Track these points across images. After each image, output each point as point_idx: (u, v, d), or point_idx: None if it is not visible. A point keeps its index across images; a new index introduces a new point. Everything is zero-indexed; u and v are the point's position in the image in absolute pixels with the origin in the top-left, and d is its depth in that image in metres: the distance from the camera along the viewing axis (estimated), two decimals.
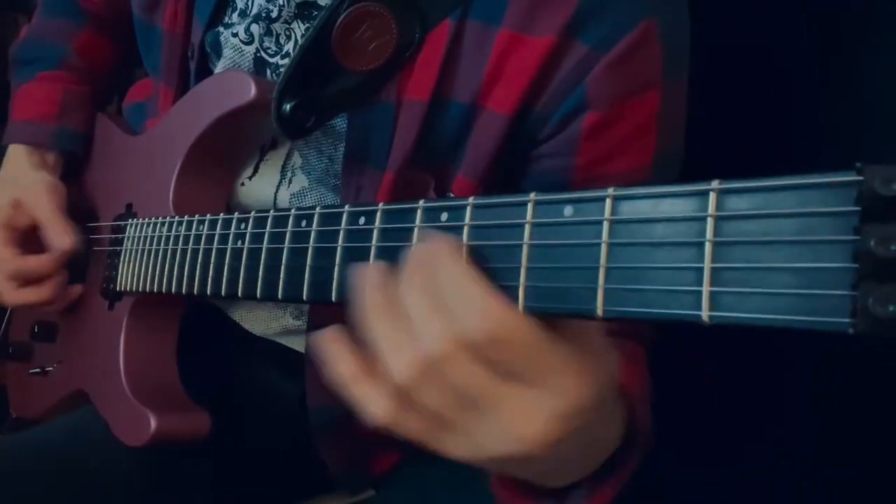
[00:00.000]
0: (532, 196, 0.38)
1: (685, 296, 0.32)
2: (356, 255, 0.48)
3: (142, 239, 0.74)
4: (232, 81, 0.69)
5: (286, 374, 0.84)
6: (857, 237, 0.28)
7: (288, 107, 0.64)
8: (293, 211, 0.54)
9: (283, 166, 0.75)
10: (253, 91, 0.67)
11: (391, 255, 0.45)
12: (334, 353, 0.45)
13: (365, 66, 0.64)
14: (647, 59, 0.61)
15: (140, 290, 0.74)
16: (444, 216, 0.43)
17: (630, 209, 0.35)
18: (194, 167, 0.74)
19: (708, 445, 0.99)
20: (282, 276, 0.54)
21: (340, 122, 0.69)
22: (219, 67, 0.76)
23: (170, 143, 0.75)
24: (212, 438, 0.76)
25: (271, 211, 0.56)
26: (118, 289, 0.78)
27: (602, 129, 0.62)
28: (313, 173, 0.74)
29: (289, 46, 0.71)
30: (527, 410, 0.39)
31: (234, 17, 0.75)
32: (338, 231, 0.49)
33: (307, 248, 0.52)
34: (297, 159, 0.74)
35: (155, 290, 0.71)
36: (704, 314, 0.32)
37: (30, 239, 0.85)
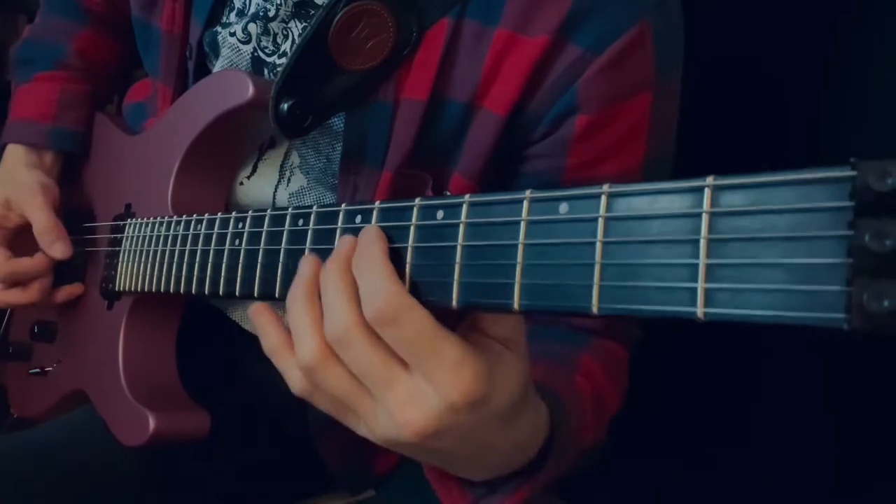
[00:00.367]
0: (528, 193, 0.38)
1: (680, 292, 0.32)
2: None
3: (141, 239, 0.74)
4: (230, 81, 0.69)
5: None
6: (852, 232, 0.28)
7: (286, 106, 0.64)
8: (290, 210, 0.54)
9: (282, 166, 0.75)
10: (251, 90, 0.67)
11: (388, 253, 0.45)
12: (262, 325, 0.47)
13: (362, 65, 0.64)
14: (640, 62, 0.62)
15: (139, 289, 0.74)
16: (441, 214, 0.42)
17: (625, 206, 0.35)
18: (193, 167, 0.74)
19: (708, 446, 0.99)
20: (279, 274, 0.54)
21: (338, 122, 0.69)
22: (217, 67, 0.76)
23: (168, 143, 0.75)
24: (211, 438, 0.76)
25: (269, 210, 0.56)
26: (117, 289, 0.78)
27: (593, 131, 0.62)
28: (311, 172, 0.74)
29: (286, 45, 0.71)
30: (410, 398, 0.41)
31: (232, 16, 0.75)
32: (335, 229, 0.49)
33: (304, 247, 0.52)
34: (295, 158, 0.74)
35: (154, 289, 0.71)
36: (699, 311, 0.32)
37: (20, 239, 0.85)
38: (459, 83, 0.64)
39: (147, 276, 0.72)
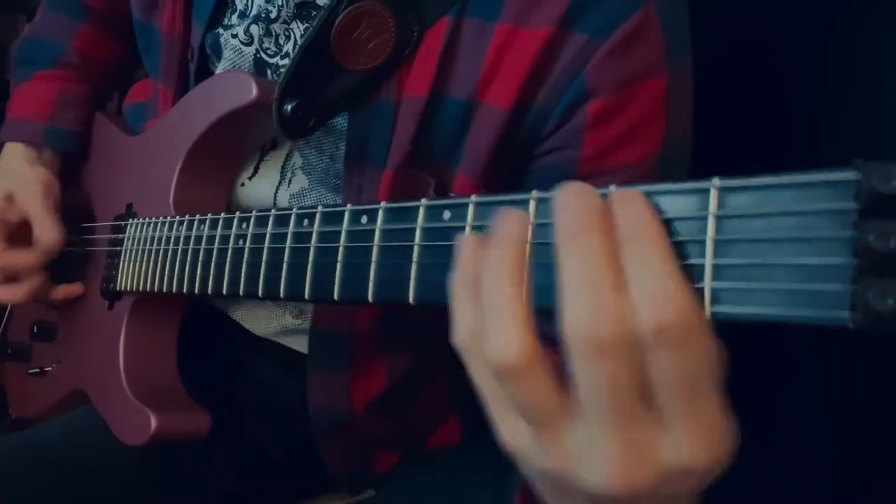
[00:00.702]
0: (534, 194, 0.39)
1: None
2: (358, 254, 0.48)
3: (142, 239, 0.75)
4: (233, 82, 0.69)
5: (286, 375, 0.84)
6: (857, 233, 0.29)
7: (289, 107, 0.64)
8: (295, 210, 0.54)
9: (283, 166, 0.75)
10: (254, 91, 0.67)
11: (394, 254, 0.46)
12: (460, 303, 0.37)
13: (364, 66, 0.64)
14: (648, 45, 0.60)
15: (140, 289, 0.74)
16: (447, 214, 0.43)
17: None
18: (195, 167, 0.74)
19: None
20: (283, 275, 0.54)
21: (341, 122, 0.69)
22: (219, 69, 0.76)
23: (170, 143, 0.75)
24: (212, 438, 0.76)
25: (273, 210, 0.56)
26: (118, 288, 0.78)
27: (606, 117, 0.61)
28: (313, 173, 0.74)
29: (288, 47, 0.71)
30: (638, 449, 0.33)
31: (234, 18, 0.75)
32: (339, 231, 0.49)
33: (309, 247, 0.52)
34: (297, 159, 0.75)
35: (155, 289, 0.71)
36: (706, 310, 0.32)
37: (19, 234, 0.85)
38: (460, 80, 0.64)
39: (149, 276, 0.72)
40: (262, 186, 0.76)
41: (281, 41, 0.72)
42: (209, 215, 0.65)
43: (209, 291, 0.63)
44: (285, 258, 0.54)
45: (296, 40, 0.71)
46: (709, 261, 0.33)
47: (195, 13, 0.77)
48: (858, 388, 0.88)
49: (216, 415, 0.76)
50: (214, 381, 0.85)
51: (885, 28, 0.83)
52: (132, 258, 0.76)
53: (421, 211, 0.44)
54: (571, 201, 0.34)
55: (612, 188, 0.36)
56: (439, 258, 0.43)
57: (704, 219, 0.33)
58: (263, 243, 0.56)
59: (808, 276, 0.30)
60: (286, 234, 0.54)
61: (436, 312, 0.41)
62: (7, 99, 0.92)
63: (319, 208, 0.51)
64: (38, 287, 0.84)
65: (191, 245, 0.66)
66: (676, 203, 0.34)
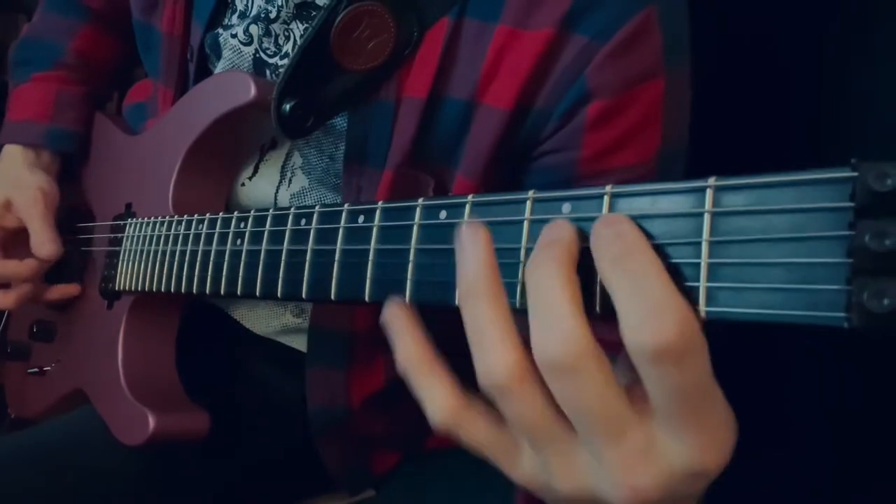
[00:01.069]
0: (531, 194, 0.38)
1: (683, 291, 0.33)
2: (356, 253, 0.48)
3: (141, 238, 0.75)
4: (232, 82, 0.70)
5: (286, 374, 0.84)
6: (852, 232, 0.28)
7: (288, 107, 0.64)
8: (292, 210, 0.54)
9: (283, 166, 0.75)
10: (253, 91, 0.67)
11: (391, 253, 0.46)
12: (399, 331, 0.38)
13: (364, 66, 0.64)
14: (648, 48, 0.60)
15: (139, 289, 0.74)
16: (443, 214, 0.43)
17: (627, 206, 0.35)
18: (194, 167, 0.74)
19: None
20: (281, 274, 0.54)
21: (341, 122, 0.69)
22: (218, 69, 0.76)
23: (169, 143, 0.75)
24: (211, 438, 0.76)
25: (271, 210, 0.56)
26: (117, 288, 0.78)
27: (606, 119, 0.61)
28: (313, 173, 0.74)
29: (288, 47, 0.71)
30: (645, 456, 0.33)
31: (234, 18, 0.75)
32: (337, 229, 0.49)
33: (306, 246, 0.52)
34: (297, 159, 0.75)
35: (154, 289, 0.71)
36: (701, 309, 0.32)
37: (16, 240, 0.85)
38: (459, 80, 0.64)
39: (147, 276, 0.72)
40: (262, 186, 0.76)
41: (280, 41, 0.72)
42: (208, 215, 0.65)
43: (207, 291, 0.63)
44: (283, 258, 0.54)
45: (295, 40, 0.71)
46: (704, 260, 0.32)
47: (195, 13, 0.77)
48: (854, 391, 0.88)
49: (216, 414, 0.76)
50: (214, 380, 0.85)
51: (884, 28, 0.83)
52: (131, 258, 0.76)
53: (418, 210, 0.44)
54: (542, 237, 0.35)
55: (609, 187, 0.36)
56: (436, 258, 0.43)
57: (700, 217, 0.33)
58: (261, 243, 0.56)
59: (803, 275, 0.30)
60: (284, 233, 0.54)
61: (435, 312, 0.41)
62: (6, 100, 0.92)
63: (317, 208, 0.51)
64: (28, 294, 0.84)
65: (189, 245, 0.66)
66: (672, 202, 0.34)
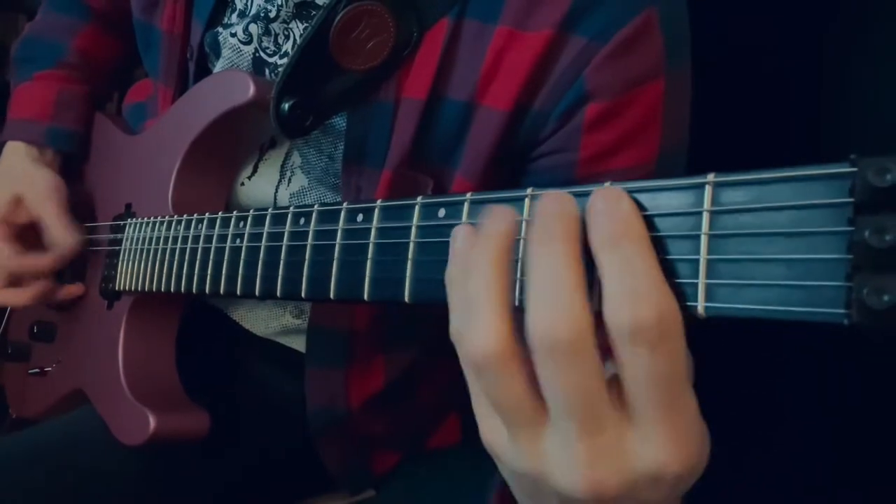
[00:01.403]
0: (529, 191, 0.38)
1: (681, 288, 0.33)
2: (354, 252, 0.48)
3: (141, 238, 0.75)
4: (231, 81, 0.69)
5: (286, 374, 0.84)
6: (852, 228, 0.28)
7: (287, 106, 0.64)
8: (291, 209, 0.54)
9: (283, 166, 0.75)
10: (252, 90, 0.67)
11: (390, 252, 0.46)
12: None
13: (363, 65, 0.64)
14: (648, 49, 0.60)
15: (139, 289, 0.74)
16: (442, 212, 0.43)
17: None
18: (193, 166, 0.74)
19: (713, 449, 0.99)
20: (280, 273, 0.54)
21: (340, 121, 0.69)
22: (217, 67, 0.76)
23: (169, 143, 0.75)
24: (211, 438, 0.76)
25: (270, 209, 0.56)
26: (117, 288, 0.78)
27: (604, 120, 0.61)
28: (313, 172, 0.74)
29: (287, 46, 0.71)
30: (611, 451, 0.33)
31: (234, 17, 0.75)
32: (336, 229, 0.49)
33: (305, 245, 0.52)
34: (296, 158, 0.75)
35: (154, 289, 0.71)
36: (700, 305, 0.32)
37: (25, 236, 0.85)
38: (459, 82, 0.64)
39: (147, 276, 0.72)
40: (261, 186, 0.76)
41: (280, 40, 0.72)
42: (207, 215, 0.65)
43: (207, 291, 0.63)
44: (282, 257, 0.54)
45: (295, 40, 0.71)
46: (703, 256, 0.32)
47: (195, 12, 0.77)
48: (853, 389, 0.88)
49: (216, 415, 0.76)
50: (214, 380, 0.85)
51: (884, 27, 0.83)
52: (131, 258, 0.76)
53: (416, 209, 0.44)
54: (546, 209, 0.34)
55: (607, 184, 0.36)
56: (435, 256, 0.43)
57: (699, 214, 0.33)
58: (260, 242, 0.56)
59: (802, 272, 0.30)
60: (283, 232, 0.54)
61: (434, 311, 0.41)
62: (7, 99, 0.92)
63: (316, 207, 0.51)
64: (44, 290, 0.84)
65: (189, 244, 0.66)
66: (671, 199, 0.34)
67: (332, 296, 0.49)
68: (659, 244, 0.34)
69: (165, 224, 0.71)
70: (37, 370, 0.90)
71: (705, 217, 0.32)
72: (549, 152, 0.63)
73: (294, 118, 0.65)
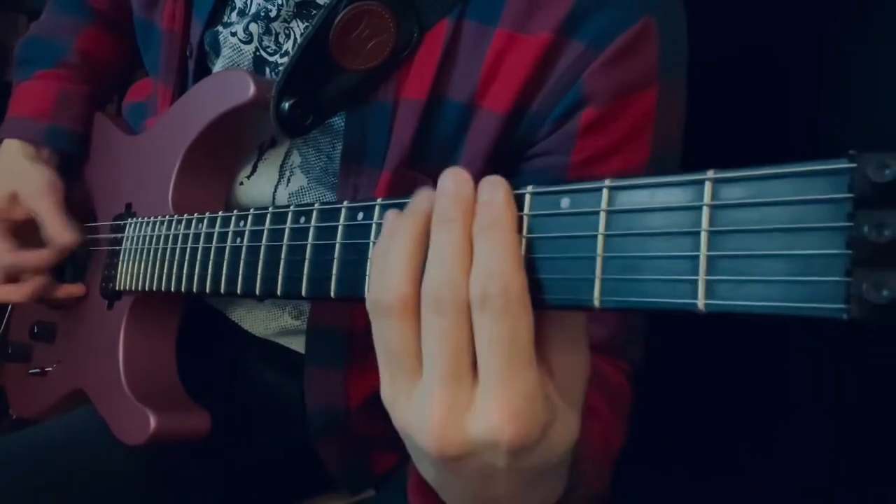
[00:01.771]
0: (529, 188, 0.39)
1: (681, 285, 0.33)
2: (355, 251, 0.48)
3: (141, 238, 0.75)
4: (231, 80, 0.70)
5: (285, 375, 0.84)
6: (851, 224, 0.28)
7: (287, 105, 0.65)
8: (292, 208, 0.54)
9: (282, 165, 0.75)
10: (252, 90, 0.67)
11: None
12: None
13: (363, 65, 0.64)
14: (644, 57, 0.61)
15: (140, 289, 0.74)
16: None
17: (626, 199, 0.35)
18: (193, 166, 0.74)
19: (703, 447, 0.99)
20: (280, 272, 0.54)
21: (339, 121, 0.70)
22: (218, 66, 0.76)
23: (169, 143, 0.75)
24: (211, 439, 0.76)
25: (270, 208, 0.56)
26: (117, 288, 0.78)
27: (598, 125, 0.62)
28: (312, 172, 0.74)
29: (287, 45, 0.72)
30: (457, 409, 0.36)
31: (233, 16, 0.75)
32: (336, 227, 0.49)
33: (306, 244, 0.52)
34: (295, 158, 0.75)
35: (154, 289, 0.71)
36: (700, 302, 0.32)
37: (22, 233, 0.85)
38: (458, 83, 0.64)
39: (148, 276, 0.72)
40: (260, 185, 0.76)
41: (280, 39, 0.72)
42: (207, 214, 0.65)
43: (208, 290, 0.63)
44: (282, 255, 0.54)
45: (295, 39, 0.71)
46: (703, 252, 0.32)
47: (195, 10, 0.77)
48: (850, 389, 0.88)
49: (215, 415, 0.76)
50: (213, 381, 0.85)
51: (884, 27, 0.83)
52: (131, 258, 0.76)
53: None
54: (448, 187, 0.39)
55: (608, 181, 0.36)
56: None
57: (699, 210, 0.33)
58: (261, 241, 0.56)
59: (802, 267, 0.30)
60: (283, 231, 0.54)
61: None
62: (8, 99, 0.92)
63: (316, 205, 0.51)
64: (42, 286, 0.84)
65: (189, 244, 0.66)
66: (671, 195, 0.34)
67: (332, 294, 0.49)
68: (658, 240, 0.34)
69: (166, 224, 0.71)
70: (37, 370, 0.90)
71: (705, 213, 0.32)
72: (543, 153, 0.64)
73: (294, 118, 0.65)
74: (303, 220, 0.52)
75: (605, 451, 0.56)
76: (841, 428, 0.90)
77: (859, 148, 0.29)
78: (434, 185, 0.67)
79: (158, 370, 0.78)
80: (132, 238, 0.76)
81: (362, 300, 0.48)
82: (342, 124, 0.69)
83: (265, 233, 0.56)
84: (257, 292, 0.57)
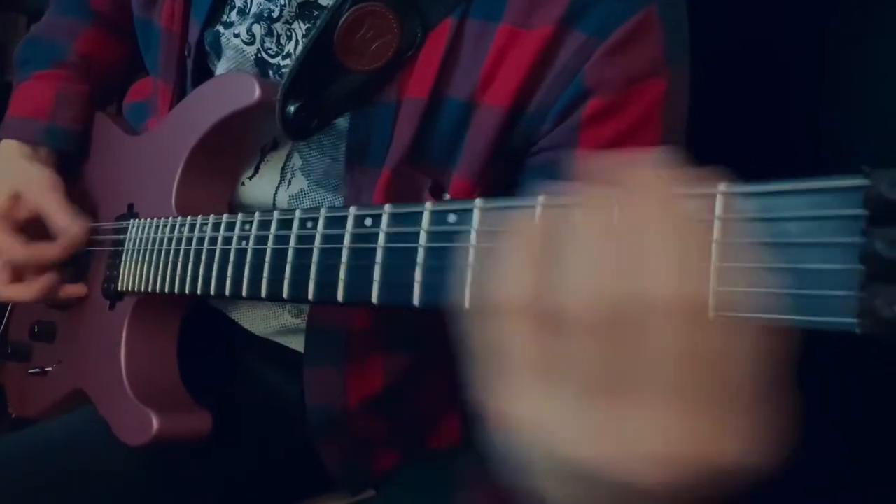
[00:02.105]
0: (540, 199, 0.39)
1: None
2: (362, 256, 0.48)
3: (144, 239, 0.74)
4: (236, 83, 0.69)
5: (285, 374, 0.84)
6: (865, 240, 0.29)
7: (292, 108, 0.64)
8: (298, 213, 0.54)
9: (283, 167, 0.75)
10: (258, 93, 0.67)
11: (398, 257, 0.46)
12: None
13: (367, 66, 0.64)
14: (648, 46, 0.60)
15: (142, 290, 0.74)
16: (452, 218, 0.43)
17: None
18: (197, 168, 0.74)
19: None
20: (287, 276, 0.54)
21: (343, 122, 0.69)
22: (220, 68, 0.76)
23: (172, 144, 0.75)
24: (211, 439, 0.76)
25: (276, 212, 0.56)
26: (119, 289, 0.78)
27: (603, 116, 0.61)
28: (313, 175, 0.74)
29: (290, 47, 0.71)
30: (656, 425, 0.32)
31: (233, 15, 0.75)
32: (343, 233, 0.50)
33: (312, 249, 0.52)
34: (296, 160, 0.75)
35: (157, 290, 0.71)
36: (711, 314, 0.32)
37: (26, 230, 0.85)
38: (461, 81, 0.64)
39: (151, 277, 0.72)
40: (261, 186, 0.76)
41: (283, 41, 0.72)
42: (211, 216, 0.65)
43: (211, 293, 0.63)
44: (289, 260, 0.54)
45: (297, 40, 0.71)
46: (714, 263, 0.33)
47: (193, 9, 0.77)
48: (855, 403, 0.88)
49: (215, 415, 0.76)
50: (214, 380, 0.85)
51: (885, 27, 0.84)
52: (134, 258, 0.76)
53: (426, 214, 0.44)
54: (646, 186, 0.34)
55: None
56: (444, 261, 0.43)
57: (711, 222, 0.33)
58: (266, 245, 0.56)
59: (815, 281, 0.30)
60: (289, 236, 0.54)
61: (435, 316, 0.41)
62: (7, 100, 0.92)
63: (323, 211, 0.52)
64: (51, 285, 0.83)
65: (193, 246, 0.66)
66: (684, 206, 0.34)
67: (340, 299, 0.50)
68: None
69: (168, 225, 0.71)
70: (37, 370, 0.90)
71: (717, 225, 0.33)
72: (548, 148, 0.63)
73: (299, 120, 0.65)
74: (309, 225, 0.53)
75: None
76: (846, 441, 0.90)
77: (861, 151, 0.30)
78: (433, 184, 0.67)
79: (160, 371, 0.78)
80: (135, 239, 0.76)
81: (370, 305, 0.48)
82: (345, 125, 0.69)
83: (271, 237, 0.56)
84: (263, 295, 0.57)
